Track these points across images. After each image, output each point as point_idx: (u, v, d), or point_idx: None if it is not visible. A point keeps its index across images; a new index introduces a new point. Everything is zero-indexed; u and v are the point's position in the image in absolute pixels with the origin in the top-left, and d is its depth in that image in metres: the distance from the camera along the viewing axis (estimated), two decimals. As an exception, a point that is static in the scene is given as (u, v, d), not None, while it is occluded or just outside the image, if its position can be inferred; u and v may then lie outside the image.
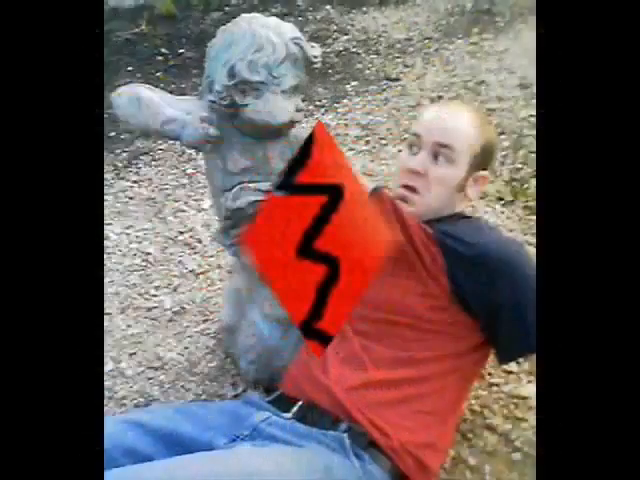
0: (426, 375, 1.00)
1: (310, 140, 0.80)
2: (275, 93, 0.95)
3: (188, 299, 1.56)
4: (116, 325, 1.50)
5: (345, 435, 0.92)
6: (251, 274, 1.16)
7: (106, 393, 1.30)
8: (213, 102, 0.96)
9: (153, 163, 2.20)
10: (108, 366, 1.38)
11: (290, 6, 3.41)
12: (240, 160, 1.02)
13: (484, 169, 1.12)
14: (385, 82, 2.59)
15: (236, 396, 1.28)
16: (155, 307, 1.55)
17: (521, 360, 1.24)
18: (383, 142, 2.16)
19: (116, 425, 0.93)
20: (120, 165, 2.20)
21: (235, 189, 1.03)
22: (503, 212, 1.76)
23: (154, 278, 1.65)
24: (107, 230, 1.84)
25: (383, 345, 1.01)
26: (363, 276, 0.89)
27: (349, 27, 3.15)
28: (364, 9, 3.35)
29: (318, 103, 2.47)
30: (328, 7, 3.39)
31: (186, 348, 1.42)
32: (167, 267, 1.68)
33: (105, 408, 1.26)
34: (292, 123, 1.00)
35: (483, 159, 1.10)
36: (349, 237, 0.87)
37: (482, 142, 1.09)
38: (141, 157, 2.24)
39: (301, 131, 1.06)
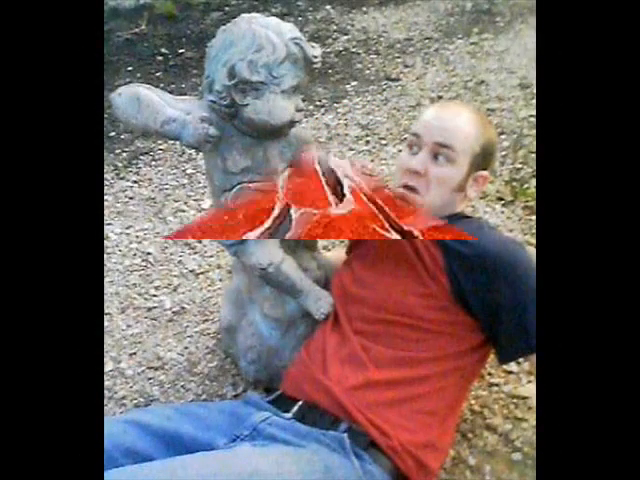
0: (426, 375, 1.00)
1: None
2: (275, 93, 0.95)
3: (188, 299, 1.56)
4: (116, 325, 1.50)
5: (345, 435, 0.92)
6: (251, 274, 1.16)
7: (106, 393, 1.30)
8: (213, 102, 0.96)
9: (153, 163, 2.20)
10: (108, 366, 1.38)
11: (290, 6, 3.41)
12: (240, 160, 1.02)
13: (484, 169, 1.12)
14: (385, 82, 2.59)
15: (236, 396, 1.28)
16: (155, 307, 1.55)
17: (521, 360, 1.24)
18: (383, 142, 2.16)
19: (116, 425, 0.93)
20: (120, 165, 2.20)
21: (235, 189, 1.03)
22: (503, 212, 1.76)
23: (154, 278, 1.65)
24: (107, 230, 1.84)
25: (383, 345, 1.01)
26: None
27: (349, 27, 3.15)
28: (364, 9, 3.35)
29: (318, 103, 2.47)
30: (328, 7, 3.39)
31: (186, 348, 1.42)
32: (167, 267, 1.69)
33: (105, 408, 1.26)
34: (292, 123, 1.00)
35: (483, 159, 1.10)
36: None
37: (482, 142, 1.09)
38: (141, 157, 2.24)
39: (301, 131, 1.06)
